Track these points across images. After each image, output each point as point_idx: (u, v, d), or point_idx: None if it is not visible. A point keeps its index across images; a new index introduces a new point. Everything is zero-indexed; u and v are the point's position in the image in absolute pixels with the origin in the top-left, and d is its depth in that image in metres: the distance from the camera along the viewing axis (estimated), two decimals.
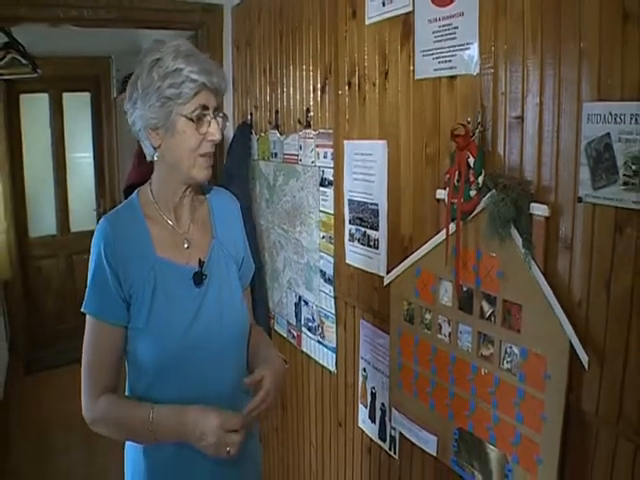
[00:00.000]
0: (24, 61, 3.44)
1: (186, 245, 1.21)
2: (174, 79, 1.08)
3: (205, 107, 1.11)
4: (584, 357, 0.95)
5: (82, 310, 1.15)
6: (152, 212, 1.20)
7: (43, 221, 4.71)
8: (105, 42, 3.89)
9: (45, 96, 4.56)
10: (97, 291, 1.14)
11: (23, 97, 4.46)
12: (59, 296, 4.73)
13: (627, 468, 0.92)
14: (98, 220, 1.16)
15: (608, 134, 0.87)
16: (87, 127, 4.78)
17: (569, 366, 0.98)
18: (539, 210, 1.00)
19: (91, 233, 1.18)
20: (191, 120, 1.10)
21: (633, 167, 0.85)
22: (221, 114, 1.16)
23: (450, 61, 1.15)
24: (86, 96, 4.74)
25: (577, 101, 0.92)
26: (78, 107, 4.71)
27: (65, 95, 4.63)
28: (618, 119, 0.86)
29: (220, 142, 1.18)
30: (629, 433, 0.91)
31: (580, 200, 0.94)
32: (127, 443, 1.26)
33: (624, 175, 0.86)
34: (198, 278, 1.19)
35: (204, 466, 1.18)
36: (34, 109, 4.52)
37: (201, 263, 1.20)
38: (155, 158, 1.17)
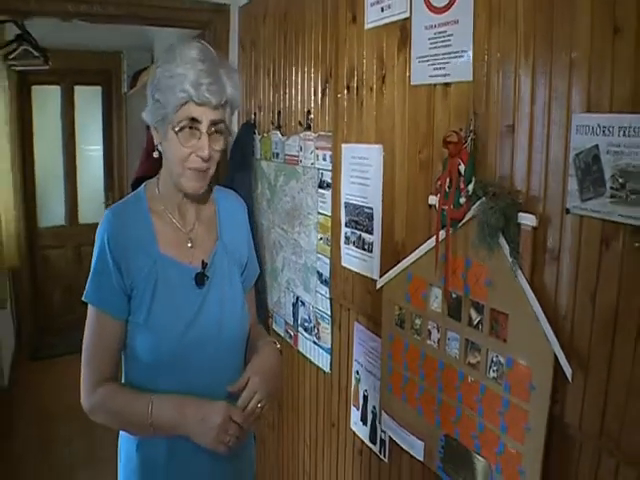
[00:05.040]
0: (36, 53, 3.49)
1: (190, 244, 1.20)
2: (169, 83, 1.05)
3: (195, 120, 1.06)
4: (568, 370, 0.95)
5: (83, 299, 1.15)
6: (158, 207, 1.19)
7: (52, 212, 4.76)
8: (117, 37, 3.94)
9: (57, 88, 4.61)
10: (99, 282, 1.13)
11: (35, 89, 4.52)
12: (66, 286, 4.77)
13: None
14: None
15: (596, 146, 0.87)
16: (98, 120, 4.82)
17: (553, 378, 0.97)
18: (527, 220, 0.99)
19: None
20: (174, 131, 1.06)
21: (620, 180, 0.84)
22: (219, 129, 1.10)
23: (444, 68, 1.15)
24: (97, 90, 4.78)
25: (567, 112, 0.91)
26: (89, 100, 4.75)
27: (77, 88, 4.68)
28: (607, 131, 0.85)
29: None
30: (611, 448, 0.91)
31: (568, 211, 0.93)
32: (121, 439, 1.26)
33: (611, 188, 0.86)
34: (200, 279, 1.18)
35: (197, 462, 1.18)
36: (46, 101, 4.58)
37: (204, 264, 1.19)
38: (155, 155, 1.16)
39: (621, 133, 0.83)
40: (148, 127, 1.18)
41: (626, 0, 0.80)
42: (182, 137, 1.07)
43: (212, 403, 1.10)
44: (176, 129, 1.06)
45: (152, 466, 1.19)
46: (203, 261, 1.20)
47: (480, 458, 1.16)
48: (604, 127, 0.85)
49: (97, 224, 1.16)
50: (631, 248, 0.85)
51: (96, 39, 3.94)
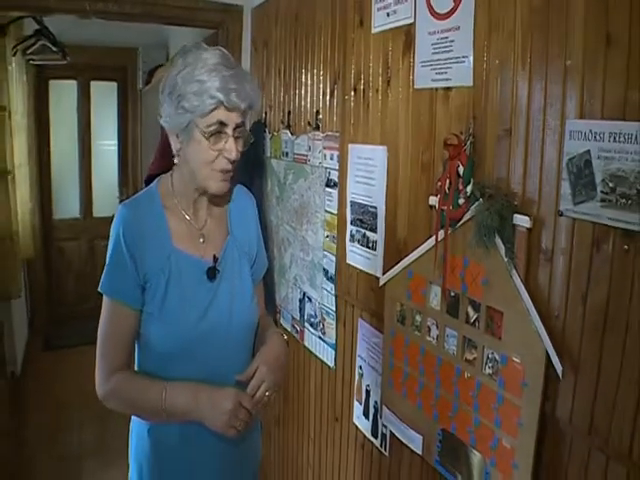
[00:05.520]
0: (54, 48, 3.56)
1: (202, 240, 1.24)
2: (195, 90, 1.09)
3: (223, 123, 1.11)
4: (559, 367, 0.98)
5: (99, 290, 1.19)
6: (170, 204, 1.23)
7: (67, 204, 4.86)
8: (133, 34, 4.00)
9: (74, 83, 4.70)
10: (114, 273, 1.18)
11: (52, 83, 4.61)
12: (79, 277, 4.88)
13: (600, 478, 0.94)
14: None
15: (588, 151, 0.90)
16: (113, 116, 4.90)
17: (545, 375, 1.00)
18: (521, 221, 1.02)
19: (113, 219, 1.23)
20: (204, 135, 1.11)
21: (610, 184, 0.87)
22: (241, 132, 1.16)
23: (446, 73, 1.18)
24: (113, 86, 4.85)
25: (561, 117, 0.94)
26: (105, 96, 4.83)
27: (93, 83, 4.76)
28: (598, 137, 0.88)
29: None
30: (600, 443, 0.94)
31: (561, 214, 0.96)
32: (133, 422, 1.31)
33: (601, 192, 0.88)
34: (212, 273, 1.22)
35: (207, 447, 1.22)
36: (62, 95, 4.67)
37: (215, 259, 1.24)
38: (176, 161, 1.21)
39: (611, 139, 0.86)
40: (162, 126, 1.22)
41: (618, 13, 0.83)
42: (211, 141, 1.12)
43: (223, 390, 1.15)
44: (206, 134, 1.11)
45: (163, 448, 1.24)
46: (214, 255, 1.24)
47: (475, 452, 1.19)
48: (595, 133, 0.88)
49: (111, 217, 1.20)
50: (620, 250, 0.87)
51: (113, 36, 4.00)
